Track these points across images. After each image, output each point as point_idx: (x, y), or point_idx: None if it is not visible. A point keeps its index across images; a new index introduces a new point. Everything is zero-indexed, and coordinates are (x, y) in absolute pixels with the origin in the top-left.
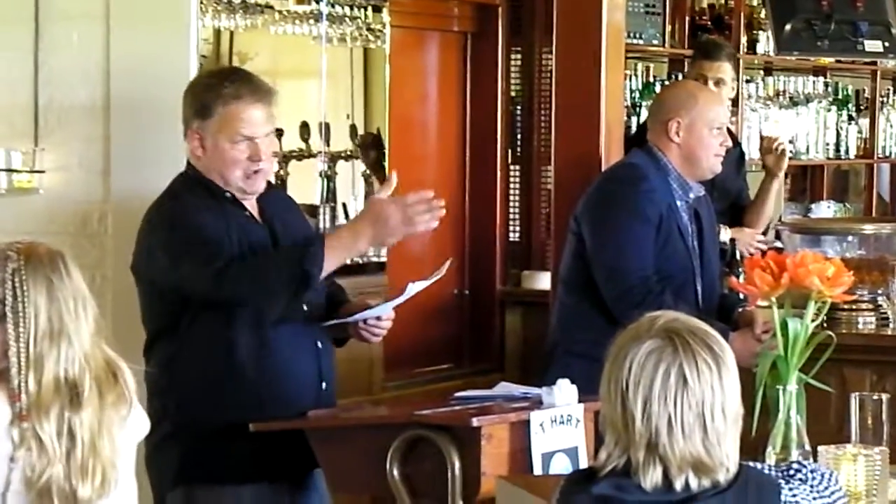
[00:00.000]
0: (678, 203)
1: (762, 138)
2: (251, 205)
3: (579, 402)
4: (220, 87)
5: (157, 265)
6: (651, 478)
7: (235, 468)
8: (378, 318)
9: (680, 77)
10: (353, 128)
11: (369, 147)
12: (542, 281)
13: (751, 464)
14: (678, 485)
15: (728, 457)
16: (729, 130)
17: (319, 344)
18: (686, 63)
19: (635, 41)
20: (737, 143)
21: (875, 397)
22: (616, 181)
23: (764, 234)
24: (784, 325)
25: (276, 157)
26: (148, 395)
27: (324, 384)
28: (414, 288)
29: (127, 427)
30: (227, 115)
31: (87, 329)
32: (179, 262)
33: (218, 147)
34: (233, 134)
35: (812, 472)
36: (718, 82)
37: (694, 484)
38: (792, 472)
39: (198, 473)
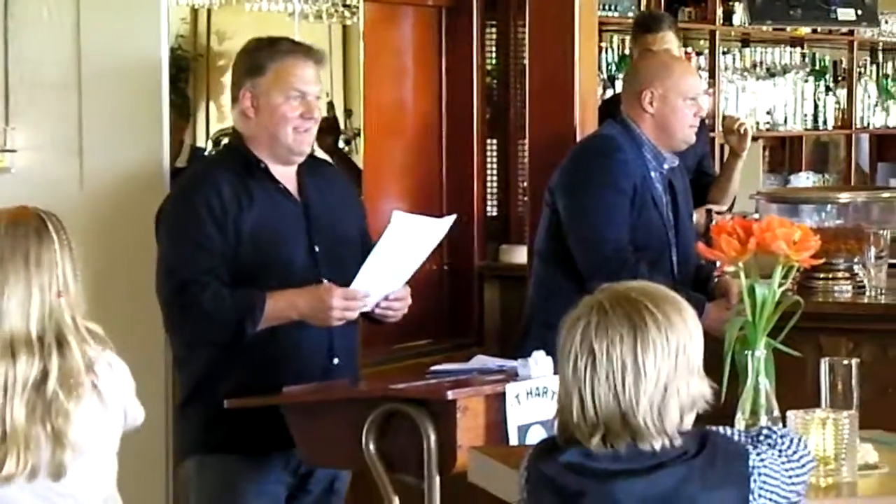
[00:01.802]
0: (652, 174)
1: (723, 119)
2: (288, 178)
3: (554, 373)
4: (273, 45)
5: (158, 259)
6: (593, 443)
7: (243, 440)
8: (387, 299)
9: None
10: (330, 104)
11: (325, 132)
12: (521, 255)
13: (720, 429)
14: (621, 447)
15: (647, 425)
16: None
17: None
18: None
19: (610, 13)
20: None
21: (845, 362)
22: (590, 153)
23: (729, 210)
24: (751, 290)
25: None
26: (173, 366)
27: (336, 360)
28: (400, 220)
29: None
30: (282, 70)
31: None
32: (162, 277)
33: (271, 103)
34: (287, 88)
35: (781, 436)
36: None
37: (619, 446)
38: (761, 437)
39: (209, 443)
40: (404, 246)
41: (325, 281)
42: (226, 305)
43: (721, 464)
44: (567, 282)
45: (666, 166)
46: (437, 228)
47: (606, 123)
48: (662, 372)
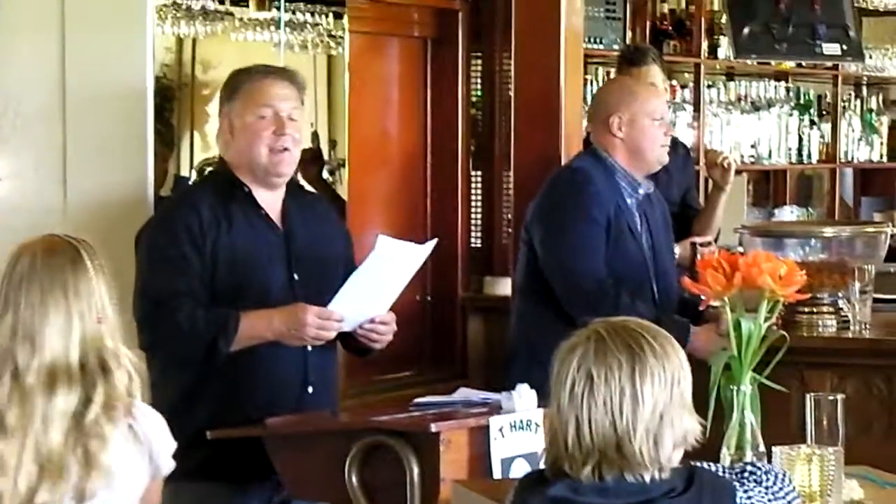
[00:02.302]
0: (628, 201)
1: (706, 152)
2: (272, 205)
3: (539, 406)
4: (249, 69)
5: (136, 280)
6: (583, 473)
7: (219, 466)
8: (372, 322)
9: None
10: (315, 135)
11: (309, 162)
12: (505, 286)
13: (706, 465)
14: (609, 478)
15: (642, 454)
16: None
17: (309, 347)
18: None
19: (596, 46)
20: (678, 143)
21: (831, 398)
22: (561, 186)
23: (714, 242)
24: (737, 325)
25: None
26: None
27: (311, 388)
28: (385, 244)
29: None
30: (253, 89)
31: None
32: (137, 298)
33: (244, 123)
34: (257, 106)
35: (766, 472)
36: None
37: (629, 477)
38: (746, 473)
39: (183, 470)
40: (386, 271)
41: None
42: (199, 324)
43: (708, 501)
44: (550, 318)
45: (641, 191)
46: (418, 254)
47: (577, 155)
48: (659, 401)
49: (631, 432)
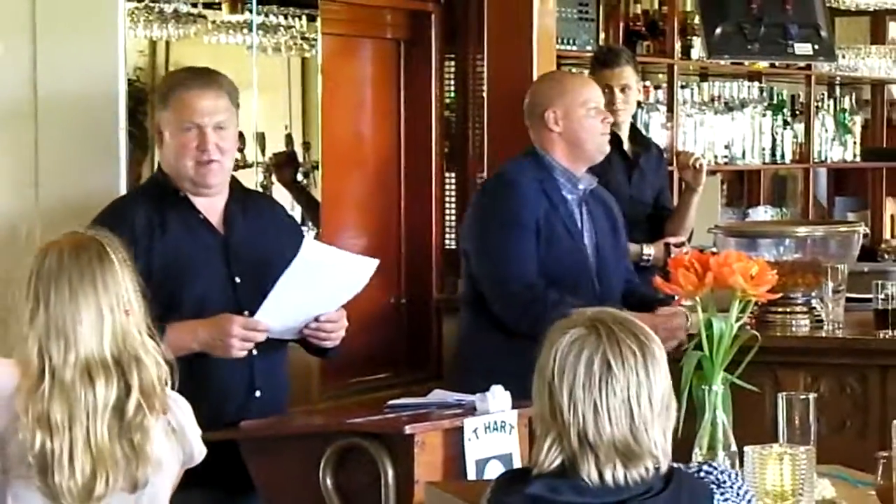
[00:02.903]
0: (568, 197)
1: (677, 154)
2: (212, 209)
3: (513, 408)
4: (177, 76)
5: None
6: (586, 470)
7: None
8: (317, 321)
9: None
10: (288, 137)
11: (283, 165)
12: None
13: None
14: (608, 476)
15: (656, 444)
16: (635, 128)
17: (255, 352)
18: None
19: (569, 47)
20: (651, 143)
21: (802, 397)
22: (487, 193)
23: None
24: (709, 325)
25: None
26: None
27: (258, 392)
28: (310, 248)
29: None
30: (177, 102)
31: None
32: None
33: (170, 136)
34: (182, 122)
35: (721, 472)
36: (624, 88)
37: (620, 476)
38: (702, 473)
39: None
40: (317, 276)
41: (247, 313)
42: None
43: (686, 501)
44: (487, 328)
45: (581, 187)
46: (358, 267)
47: (511, 159)
48: (665, 391)
49: (647, 423)
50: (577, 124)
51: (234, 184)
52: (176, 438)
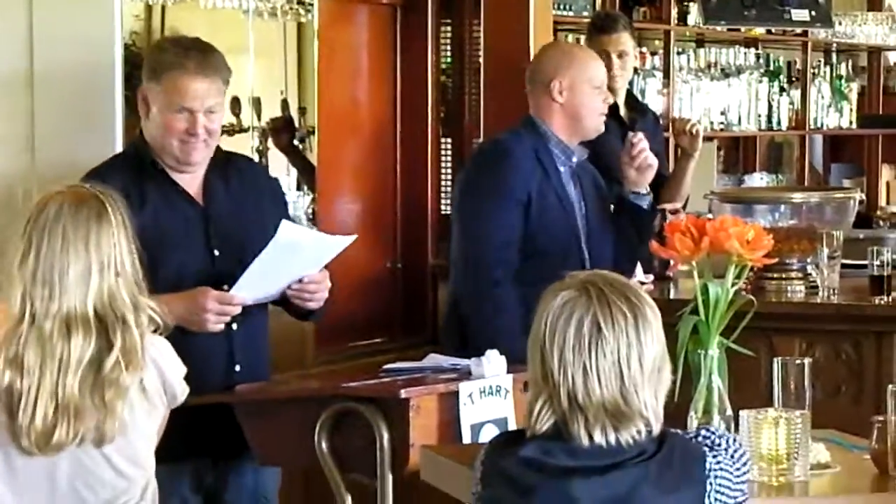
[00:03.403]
0: (561, 169)
1: (673, 120)
2: (191, 180)
3: (508, 372)
4: (171, 52)
5: None
6: (576, 431)
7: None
8: (300, 282)
9: None
10: (284, 102)
11: (280, 131)
12: None
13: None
14: (598, 437)
15: (647, 406)
16: (631, 94)
17: (234, 325)
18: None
19: (565, 13)
20: (648, 109)
21: (798, 362)
22: (481, 160)
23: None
24: (705, 289)
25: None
26: None
27: (237, 366)
28: (286, 230)
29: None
30: (170, 83)
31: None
32: None
33: (158, 113)
34: (175, 104)
35: (720, 437)
36: (621, 54)
37: (612, 438)
38: (700, 438)
39: None
40: (292, 256)
41: (226, 287)
42: None
43: (678, 465)
44: None
45: (574, 159)
46: (330, 244)
47: (508, 129)
48: (658, 352)
49: (637, 384)
50: (580, 99)
51: (216, 151)
52: (146, 395)
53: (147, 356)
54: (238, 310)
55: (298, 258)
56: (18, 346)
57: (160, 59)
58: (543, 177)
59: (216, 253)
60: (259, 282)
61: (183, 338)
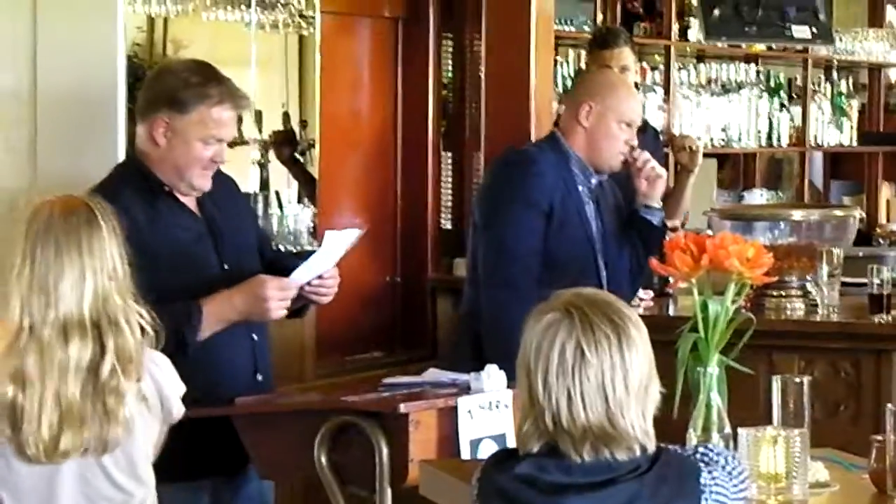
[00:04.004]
0: (580, 188)
1: (672, 137)
2: (188, 196)
3: (509, 387)
4: (203, 87)
5: None
6: (566, 450)
7: (171, 466)
8: (320, 277)
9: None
10: (286, 115)
11: (282, 144)
12: None
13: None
14: (587, 456)
15: (634, 426)
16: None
17: (255, 336)
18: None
19: (566, 27)
20: (648, 125)
21: (797, 380)
22: (503, 167)
23: (682, 226)
24: (704, 307)
25: None
26: None
27: (259, 376)
28: (331, 236)
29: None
30: (207, 117)
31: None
32: None
33: (187, 143)
34: (207, 136)
35: (717, 454)
36: (622, 70)
37: (604, 455)
38: (698, 455)
39: None
40: (333, 254)
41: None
42: (164, 320)
43: (674, 480)
44: None
45: (594, 181)
46: (353, 237)
47: (531, 143)
48: (644, 371)
49: (623, 406)
50: (604, 130)
51: None
52: (146, 405)
53: (145, 369)
54: (295, 293)
55: (335, 255)
56: (19, 359)
57: (188, 92)
58: (565, 191)
59: (226, 266)
60: (308, 275)
61: (211, 349)
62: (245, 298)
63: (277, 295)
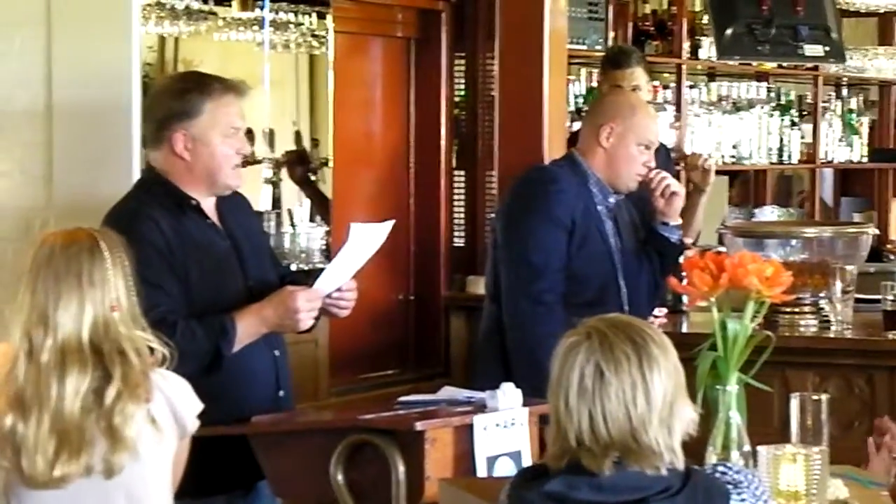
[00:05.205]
0: (599, 207)
1: (684, 156)
2: (212, 211)
3: (523, 405)
4: (201, 87)
5: None
6: (590, 465)
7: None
8: (339, 290)
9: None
10: (297, 134)
11: (294, 163)
12: None
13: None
14: (609, 471)
15: (658, 442)
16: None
17: (276, 353)
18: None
19: (578, 47)
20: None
21: (815, 398)
22: (525, 184)
23: (693, 244)
24: (723, 326)
25: None
26: None
27: (281, 392)
28: (357, 230)
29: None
30: (218, 110)
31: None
32: None
33: (210, 144)
34: (226, 127)
35: (737, 472)
36: (635, 89)
37: (629, 469)
38: (717, 474)
39: None
40: (359, 252)
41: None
42: (198, 336)
43: (703, 502)
44: None
45: (612, 200)
46: (381, 232)
47: (550, 162)
48: (668, 390)
49: (646, 423)
50: (624, 152)
51: None
52: (156, 427)
53: (155, 388)
54: (320, 303)
55: (360, 253)
56: (17, 385)
57: (193, 97)
58: (585, 208)
59: (250, 283)
60: (333, 278)
61: (236, 365)
62: (276, 310)
63: (307, 306)
